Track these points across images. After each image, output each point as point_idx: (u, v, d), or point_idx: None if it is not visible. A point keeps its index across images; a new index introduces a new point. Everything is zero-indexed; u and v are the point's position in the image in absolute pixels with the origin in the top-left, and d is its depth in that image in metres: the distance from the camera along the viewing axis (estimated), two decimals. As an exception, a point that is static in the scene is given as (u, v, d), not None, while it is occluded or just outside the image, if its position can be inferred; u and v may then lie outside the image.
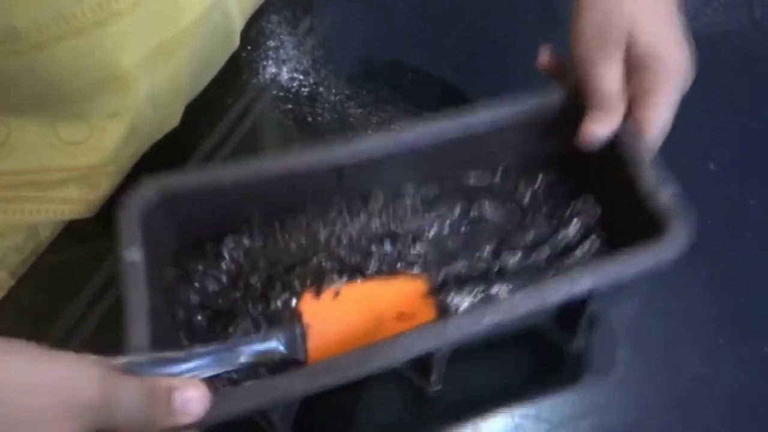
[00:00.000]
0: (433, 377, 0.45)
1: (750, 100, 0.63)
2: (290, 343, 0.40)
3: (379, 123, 0.59)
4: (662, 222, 0.43)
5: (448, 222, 0.50)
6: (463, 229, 0.50)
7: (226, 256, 0.47)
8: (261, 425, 0.43)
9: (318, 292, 0.45)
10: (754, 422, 0.46)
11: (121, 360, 0.32)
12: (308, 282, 0.46)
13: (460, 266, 0.48)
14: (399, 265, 0.48)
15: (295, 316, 0.43)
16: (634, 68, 0.46)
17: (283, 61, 0.64)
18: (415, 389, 0.46)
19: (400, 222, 0.50)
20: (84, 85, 0.46)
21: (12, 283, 0.51)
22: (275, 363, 0.40)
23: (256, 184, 0.44)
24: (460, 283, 0.47)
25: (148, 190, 0.42)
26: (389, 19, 0.68)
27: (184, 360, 0.35)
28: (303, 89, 0.62)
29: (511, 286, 0.47)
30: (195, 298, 0.45)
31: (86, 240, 0.53)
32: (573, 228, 0.49)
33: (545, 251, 0.49)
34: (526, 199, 0.51)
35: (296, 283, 0.46)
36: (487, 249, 0.49)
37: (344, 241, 0.49)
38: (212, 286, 0.46)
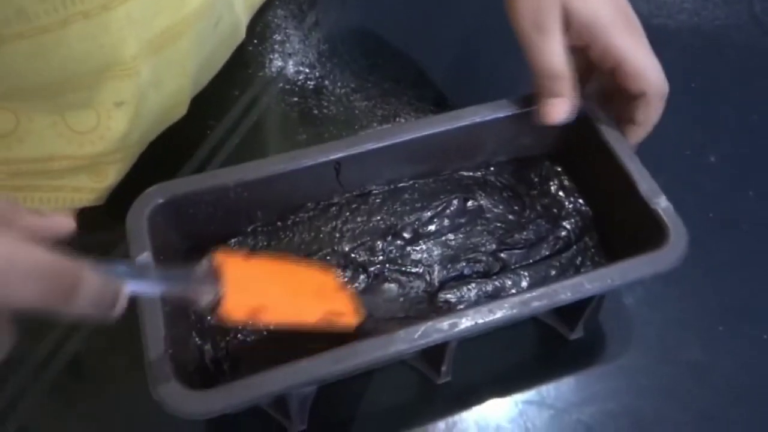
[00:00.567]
0: (444, 369, 0.46)
1: (750, 94, 0.64)
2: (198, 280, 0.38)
3: (384, 116, 0.60)
4: (659, 222, 0.44)
5: (446, 219, 0.51)
6: (462, 226, 0.51)
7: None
8: (276, 419, 0.44)
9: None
10: (754, 409, 0.47)
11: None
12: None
13: (461, 264, 0.49)
14: (401, 261, 0.49)
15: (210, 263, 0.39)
16: (578, 37, 0.46)
17: (289, 55, 0.64)
18: (421, 378, 0.47)
19: (400, 217, 0.51)
20: (90, 71, 0.46)
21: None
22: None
23: (258, 184, 0.46)
24: (461, 279, 0.49)
25: (155, 197, 0.43)
26: (393, 13, 0.69)
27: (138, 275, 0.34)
28: (309, 82, 0.62)
29: (510, 283, 0.48)
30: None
31: (93, 229, 0.53)
32: (567, 226, 0.50)
33: (543, 249, 0.50)
34: (524, 197, 0.52)
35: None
36: (487, 247, 0.50)
37: (347, 237, 0.50)
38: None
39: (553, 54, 0.46)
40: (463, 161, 0.52)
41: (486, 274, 0.49)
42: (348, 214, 0.50)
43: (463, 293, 0.48)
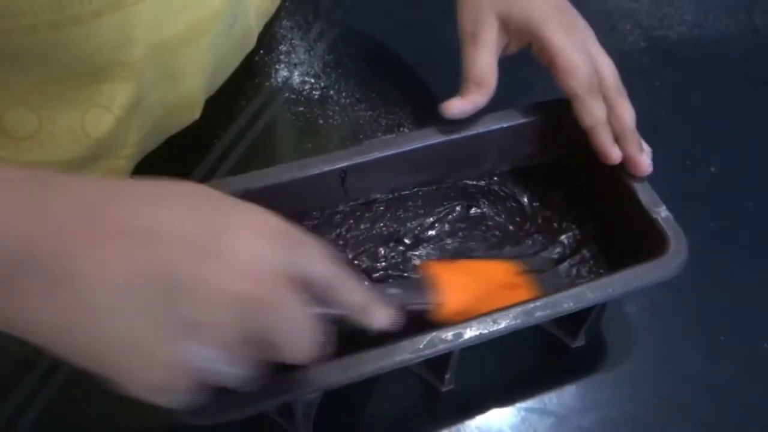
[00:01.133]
0: (447, 376, 0.46)
1: (750, 105, 0.64)
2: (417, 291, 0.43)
3: (388, 125, 0.60)
4: (660, 232, 0.45)
5: (447, 224, 0.52)
6: (461, 231, 0.52)
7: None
8: (280, 424, 0.44)
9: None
10: (754, 418, 0.47)
11: None
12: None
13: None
14: (402, 266, 0.50)
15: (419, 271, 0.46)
16: (519, 37, 0.51)
17: (295, 65, 0.65)
18: (425, 385, 0.47)
19: (402, 224, 0.51)
20: (102, 68, 0.46)
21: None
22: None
23: (265, 193, 0.46)
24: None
25: None
26: (398, 24, 0.69)
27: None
28: (314, 92, 0.63)
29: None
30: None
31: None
32: (565, 241, 0.51)
33: (544, 258, 0.50)
34: (526, 208, 0.53)
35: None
36: (479, 252, 0.50)
37: (350, 244, 0.50)
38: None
39: (482, 65, 0.50)
40: (467, 170, 0.53)
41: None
42: (352, 221, 0.51)
43: None
